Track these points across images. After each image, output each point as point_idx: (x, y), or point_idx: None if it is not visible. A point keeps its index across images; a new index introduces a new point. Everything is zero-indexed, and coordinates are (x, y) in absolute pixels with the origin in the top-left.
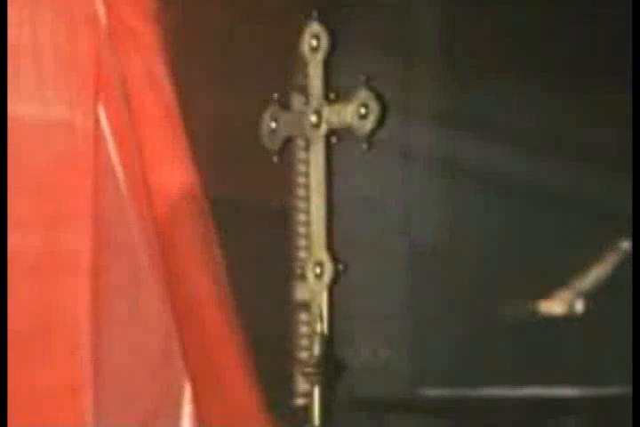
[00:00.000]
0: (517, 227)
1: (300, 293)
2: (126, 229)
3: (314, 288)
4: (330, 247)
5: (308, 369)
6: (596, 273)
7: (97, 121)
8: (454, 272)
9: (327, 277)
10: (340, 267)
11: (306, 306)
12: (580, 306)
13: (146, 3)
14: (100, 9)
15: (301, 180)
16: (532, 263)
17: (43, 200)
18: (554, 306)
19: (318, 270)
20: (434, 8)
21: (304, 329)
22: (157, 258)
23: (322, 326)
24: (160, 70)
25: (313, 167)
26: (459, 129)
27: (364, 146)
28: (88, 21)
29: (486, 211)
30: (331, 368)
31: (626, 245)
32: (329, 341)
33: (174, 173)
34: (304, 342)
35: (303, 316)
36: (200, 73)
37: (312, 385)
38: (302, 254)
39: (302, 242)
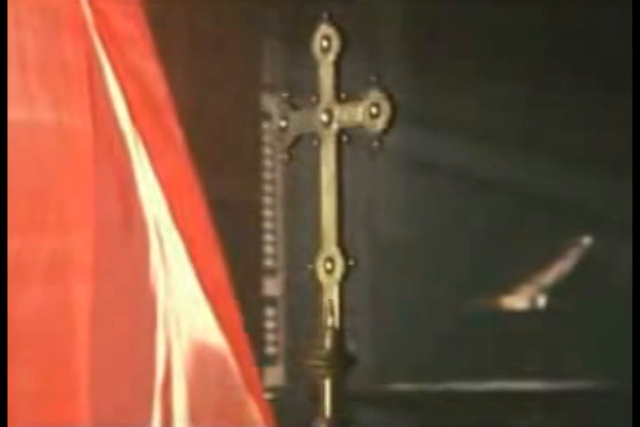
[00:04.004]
0: (481, 222)
1: (268, 288)
2: (126, 230)
3: (325, 283)
4: (341, 244)
5: (319, 362)
6: (558, 269)
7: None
8: (419, 267)
9: (338, 273)
10: (351, 262)
11: (273, 302)
12: (542, 301)
13: (134, 4)
14: (87, 11)
15: (268, 176)
16: (496, 258)
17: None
18: (516, 301)
19: (329, 266)
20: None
21: (270, 325)
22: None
23: (333, 321)
24: (152, 69)
25: (324, 165)
26: (425, 126)
27: (376, 145)
28: (75, 23)
29: (450, 206)
30: (342, 362)
31: (587, 240)
32: (340, 334)
33: (171, 165)
34: (270, 337)
35: (269, 311)
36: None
37: (322, 378)
38: (270, 250)
39: (269, 237)
